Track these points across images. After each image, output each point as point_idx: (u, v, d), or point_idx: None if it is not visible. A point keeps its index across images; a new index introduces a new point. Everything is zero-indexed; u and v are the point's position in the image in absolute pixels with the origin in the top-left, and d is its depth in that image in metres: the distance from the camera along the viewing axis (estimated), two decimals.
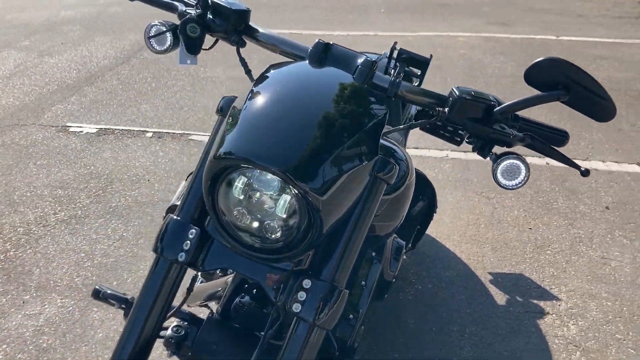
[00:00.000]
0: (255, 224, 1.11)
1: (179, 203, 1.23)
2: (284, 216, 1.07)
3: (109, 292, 1.66)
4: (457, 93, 1.18)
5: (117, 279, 2.59)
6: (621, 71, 5.55)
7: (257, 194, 1.08)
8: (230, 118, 1.13)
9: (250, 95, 1.15)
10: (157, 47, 1.33)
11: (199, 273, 1.89)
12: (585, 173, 1.20)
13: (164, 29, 1.30)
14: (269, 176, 1.06)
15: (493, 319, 2.46)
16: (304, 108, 1.10)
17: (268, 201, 1.08)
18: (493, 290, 2.63)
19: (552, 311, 2.52)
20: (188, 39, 1.28)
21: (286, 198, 1.06)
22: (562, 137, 1.25)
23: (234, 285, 1.53)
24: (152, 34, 1.31)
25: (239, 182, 1.07)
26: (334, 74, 1.21)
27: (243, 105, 1.12)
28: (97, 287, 1.69)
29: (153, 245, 1.21)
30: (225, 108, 1.22)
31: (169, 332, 1.69)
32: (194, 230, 1.17)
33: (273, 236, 1.10)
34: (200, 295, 1.82)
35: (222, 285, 1.67)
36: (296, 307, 1.10)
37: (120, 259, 2.73)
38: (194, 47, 1.29)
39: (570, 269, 2.79)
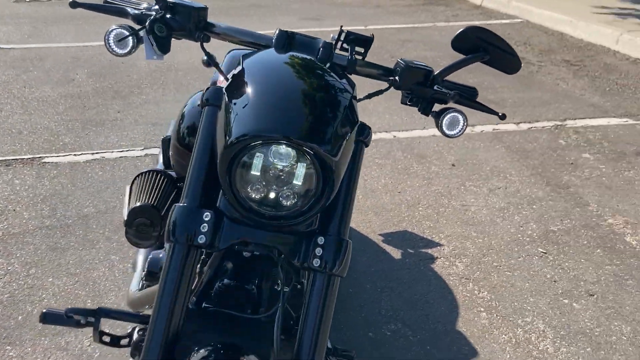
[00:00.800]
0: (272, 195, 1.22)
1: (185, 191, 1.28)
2: (300, 183, 1.20)
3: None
4: (403, 63, 1.42)
5: (21, 314, 2.42)
6: (428, 50, 6.33)
7: (274, 168, 1.19)
8: (230, 105, 1.22)
9: (241, 81, 1.25)
10: (120, 51, 1.36)
11: (143, 277, 1.91)
12: (503, 117, 1.52)
13: (127, 33, 1.34)
14: (283, 149, 1.18)
15: (396, 271, 2.78)
16: (297, 85, 1.24)
17: (284, 173, 1.20)
18: (387, 248, 2.96)
19: (440, 255, 2.92)
20: (157, 38, 1.34)
21: (302, 166, 1.19)
22: (474, 92, 1.55)
23: (211, 271, 1.60)
24: (113, 38, 1.35)
25: (256, 161, 1.18)
26: (301, 57, 1.37)
27: (240, 90, 1.23)
28: (45, 310, 1.65)
29: (166, 235, 1.25)
30: (213, 98, 1.30)
31: (135, 337, 1.71)
32: (208, 213, 1.23)
33: (289, 203, 1.23)
34: (147, 300, 1.84)
35: None
36: (316, 262, 1.24)
37: (16, 293, 2.54)
38: (164, 46, 1.35)
39: (442, 219, 3.24)
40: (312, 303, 1.24)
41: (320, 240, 1.24)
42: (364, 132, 1.34)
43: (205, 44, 1.42)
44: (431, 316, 2.50)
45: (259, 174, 1.19)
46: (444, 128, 1.46)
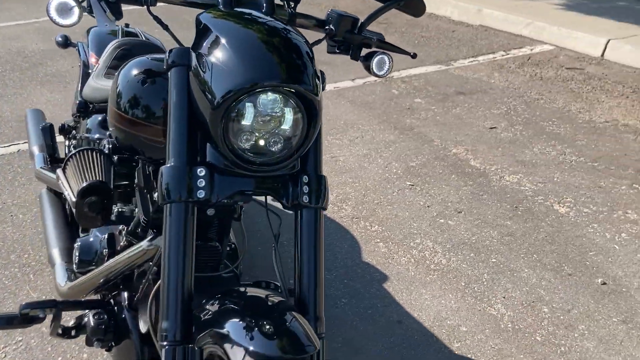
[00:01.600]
0: (262, 142, 1.30)
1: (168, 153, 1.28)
2: (289, 128, 1.30)
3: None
4: (335, 14, 1.58)
5: None
6: None
7: (263, 117, 1.27)
8: (202, 64, 1.26)
9: (208, 39, 1.30)
10: (65, 22, 1.32)
11: (75, 266, 1.85)
12: (414, 56, 1.75)
13: (73, 3, 1.30)
14: (270, 96, 1.27)
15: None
16: (264, 35, 1.30)
17: (273, 119, 1.29)
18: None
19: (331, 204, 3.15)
20: (109, 4, 1.32)
21: (289, 111, 1.29)
22: (383, 37, 1.76)
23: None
24: (55, 9, 1.30)
25: (246, 111, 1.25)
26: (254, 12, 1.44)
27: (210, 48, 1.27)
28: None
29: (160, 197, 1.27)
30: (180, 59, 1.32)
31: (90, 322, 1.67)
32: (202, 168, 1.27)
33: (278, 148, 1.32)
34: (84, 289, 1.80)
35: (103, 273, 1.70)
36: (305, 199, 1.35)
37: None
38: (117, 12, 1.33)
39: None
40: (305, 237, 1.36)
41: (305, 179, 1.36)
42: (322, 76, 1.47)
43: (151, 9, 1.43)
44: (339, 255, 2.73)
45: (249, 123, 1.26)
46: (375, 69, 1.65)
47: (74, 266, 1.87)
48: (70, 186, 1.60)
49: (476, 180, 3.43)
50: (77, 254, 1.84)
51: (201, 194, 1.25)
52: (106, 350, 1.81)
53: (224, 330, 1.15)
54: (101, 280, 1.74)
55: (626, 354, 2.20)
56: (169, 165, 1.27)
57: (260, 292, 1.36)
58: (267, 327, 1.15)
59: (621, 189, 3.39)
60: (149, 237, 1.61)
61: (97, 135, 2.07)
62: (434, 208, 3.14)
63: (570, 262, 2.73)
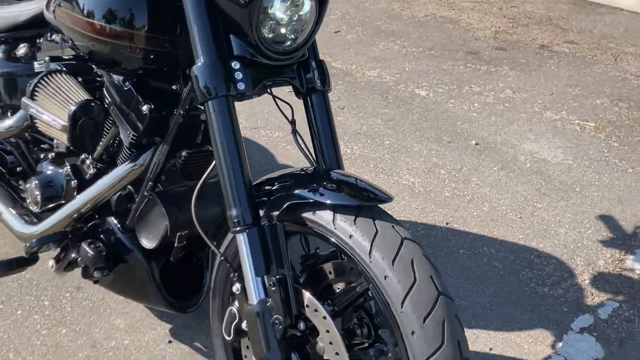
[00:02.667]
0: (283, 30, 1.37)
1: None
2: (307, 15, 1.37)
3: None
4: None
5: None
6: None
7: (286, 7, 1.34)
8: None
9: None
10: None
11: (39, 204, 1.75)
12: None
13: None
14: None
15: None
16: None
17: (295, 6, 1.35)
18: None
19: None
20: None
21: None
22: None
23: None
24: None
25: (273, 4, 1.30)
26: None
27: None
28: None
29: (201, 96, 1.28)
30: None
31: (88, 252, 1.65)
32: (236, 62, 1.30)
33: (294, 35, 1.40)
34: (57, 227, 1.73)
35: (81, 204, 1.67)
36: (318, 83, 1.48)
37: None
38: None
39: None
40: (319, 118, 1.49)
41: (313, 64, 1.48)
42: None
43: None
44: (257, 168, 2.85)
45: (275, 12, 1.32)
46: None
47: (35, 207, 1.76)
48: (54, 112, 1.49)
49: (344, 79, 3.71)
50: (38, 192, 1.73)
51: (241, 87, 1.31)
52: (95, 282, 1.78)
53: (301, 201, 1.26)
54: (80, 212, 1.68)
55: (513, 191, 2.72)
56: (200, 63, 1.29)
57: (306, 168, 1.45)
58: (339, 184, 1.28)
59: (460, 69, 3.94)
60: (131, 156, 1.60)
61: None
62: None
63: (445, 132, 3.19)
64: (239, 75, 1.30)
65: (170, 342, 1.87)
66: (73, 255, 1.66)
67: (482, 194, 2.68)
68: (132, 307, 1.99)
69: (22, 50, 1.94)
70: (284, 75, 1.44)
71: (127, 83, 1.55)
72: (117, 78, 1.58)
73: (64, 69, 1.60)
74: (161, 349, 1.85)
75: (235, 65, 1.31)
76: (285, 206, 1.27)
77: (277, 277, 1.25)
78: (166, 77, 1.57)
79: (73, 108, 1.45)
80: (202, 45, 1.30)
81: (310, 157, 1.49)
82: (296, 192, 1.29)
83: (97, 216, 1.74)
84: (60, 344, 1.85)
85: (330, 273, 1.34)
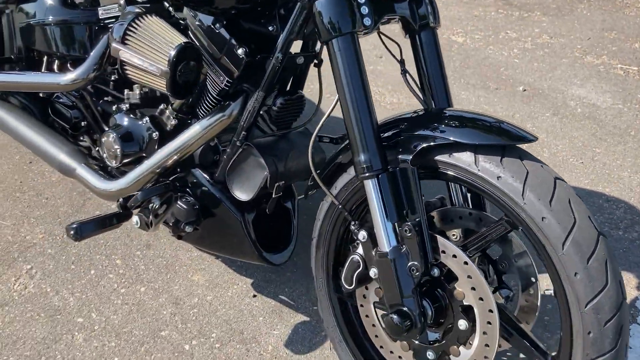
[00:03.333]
0: None
1: None
2: None
3: None
4: None
5: None
6: None
7: None
8: None
9: None
10: None
11: (118, 160, 1.67)
12: None
13: None
14: None
15: None
16: None
17: None
18: None
19: None
20: None
21: None
22: None
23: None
24: None
25: None
26: None
27: None
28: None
29: (325, 33, 1.20)
30: None
31: (180, 206, 1.58)
32: None
33: None
34: (142, 180, 1.65)
35: (167, 156, 1.59)
36: (431, 19, 1.39)
37: None
38: None
39: None
40: (428, 56, 1.42)
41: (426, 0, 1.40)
42: None
43: None
44: None
45: None
46: None
47: (114, 161, 1.68)
48: (150, 57, 1.39)
49: None
50: (117, 146, 1.64)
51: (367, 22, 1.23)
52: (178, 238, 1.71)
53: (436, 142, 1.20)
54: (165, 165, 1.61)
55: (570, 137, 2.67)
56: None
57: (423, 109, 1.38)
58: (471, 122, 1.22)
59: (492, 15, 3.83)
60: (222, 104, 1.52)
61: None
62: None
63: (490, 79, 3.11)
64: (365, 10, 1.23)
65: (254, 296, 1.83)
66: (161, 210, 1.59)
67: (540, 141, 2.63)
68: (208, 263, 1.94)
69: None
70: (401, 10, 1.36)
71: (217, 25, 1.46)
72: (206, 20, 1.48)
73: (151, 12, 1.49)
74: (247, 303, 1.80)
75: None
76: (418, 149, 1.21)
77: (411, 223, 1.19)
78: (261, 18, 1.48)
79: (172, 52, 1.35)
80: None
81: (420, 98, 1.42)
82: (426, 133, 1.23)
83: (179, 169, 1.66)
84: (142, 301, 1.79)
85: (460, 218, 1.29)
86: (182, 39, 1.39)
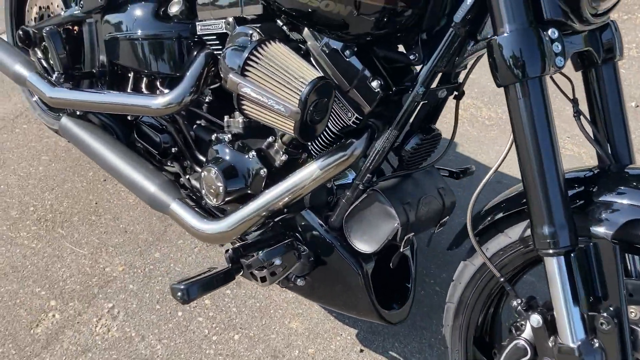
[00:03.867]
0: None
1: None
2: None
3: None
4: None
5: None
6: None
7: None
8: None
9: None
10: None
11: (216, 202, 1.47)
12: None
13: None
14: None
15: None
16: None
17: None
18: None
19: None
20: None
21: None
22: None
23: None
24: None
25: None
26: None
27: None
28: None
29: (508, 77, 0.97)
30: None
31: (294, 256, 1.37)
32: (553, 29, 0.98)
33: None
34: (247, 223, 1.44)
35: (277, 197, 1.38)
36: (617, 51, 1.15)
37: None
38: None
39: None
40: (609, 94, 1.17)
41: (614, 27, 1.15)
42: None
43: None
44: None
45: None
46: None
47: (214, 199, 1.48)
48: (276, 94, 1.17)
49: None
50: (220, 183, 1.44)
51: (560, 62, 0.99)
52: (290, 288, 1.52)
53: None
54: (274, 207, 1.40)
55: None
56: (507, 32, 0.97)
57: (603, 166, 1.15)
58: None
59: None
60: (344, 141, 1.30)
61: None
62: None
63: None
64: (557, 48, 0.99)
65: (361, 350, 1.62)
66: (280, 269, 1.38)
67: None
68: (306, 307, 1.74)
69: (175, 6, 1.62)
70: (587, 43, 1.12)
71: (347, 52, 1.24)
72: (333, 46, 1.26)
73: (274, 36, 1.28)
74: (353, 359, 1.59)
75: (553, 33, 0.98)
76: (622, 222, 0.97)
77: (608, 313, 0.96)
78: (400, 44, 1.26)
79: (305, 89, 1.13)
80: (511, 6, 0.98)
81: (600, 147, 1.18)
82: (630, 202, 0.99)
83: (285, 210, 1.45)
84: (237, 352, 1.60)
85: None
86: (315, 73, 1.17)
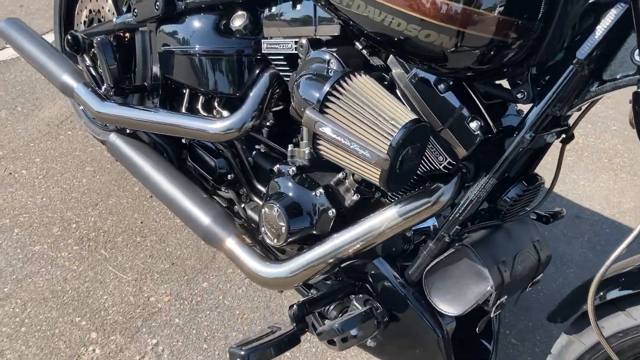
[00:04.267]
0: None
1: None
2: None
3: None
4: None
5: None
6: None
7: None
8: None
9: None
10: None
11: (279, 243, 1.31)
12: None
13: None
14: None
15: None
16: None
17: None
18: None
19: None
20: None
21: None
22: None
23: None
24: None
25: None
26: None
27: None
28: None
29: None
30: None
31: (367, 316, 1.21)
32: None
33: None
34: (312, 270, 1.29)
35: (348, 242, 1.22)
36: None
37: None
38: None
39: None
40: None
41: None
42: None
43: None
44: None
45: None
46: None
47: (274, 240, 1.33)
48: (362, 137, 1.00)
49: None
50: (283, 223, 1.28)
51: None
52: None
53: None
54: (345, 253, 1.24)
55: None
56: None
57: None
58: None
59: None
60: (431, 186, 1.12)
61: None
62: None
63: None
64: None
65: None
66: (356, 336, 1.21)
67: None
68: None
69: (238, 20, 1.46)
70: None
71: (442, 86, 1.06)
72: (425, 76, 1.08)
73: (358, 66, 1.11)
74: None
75: None
76: None
77: None
78: (504, 80, 1.07)
79: (398, 135, 0.95)
80: None
81: None
82: None
83: (355, 257, 1.29)
84: None
85: None
86: (409, 115, 0.99)
